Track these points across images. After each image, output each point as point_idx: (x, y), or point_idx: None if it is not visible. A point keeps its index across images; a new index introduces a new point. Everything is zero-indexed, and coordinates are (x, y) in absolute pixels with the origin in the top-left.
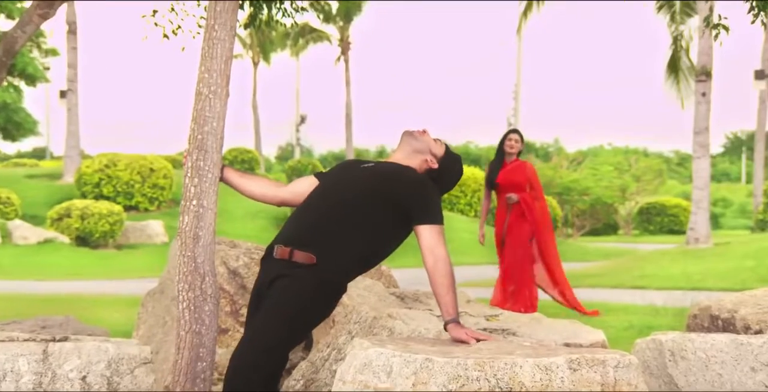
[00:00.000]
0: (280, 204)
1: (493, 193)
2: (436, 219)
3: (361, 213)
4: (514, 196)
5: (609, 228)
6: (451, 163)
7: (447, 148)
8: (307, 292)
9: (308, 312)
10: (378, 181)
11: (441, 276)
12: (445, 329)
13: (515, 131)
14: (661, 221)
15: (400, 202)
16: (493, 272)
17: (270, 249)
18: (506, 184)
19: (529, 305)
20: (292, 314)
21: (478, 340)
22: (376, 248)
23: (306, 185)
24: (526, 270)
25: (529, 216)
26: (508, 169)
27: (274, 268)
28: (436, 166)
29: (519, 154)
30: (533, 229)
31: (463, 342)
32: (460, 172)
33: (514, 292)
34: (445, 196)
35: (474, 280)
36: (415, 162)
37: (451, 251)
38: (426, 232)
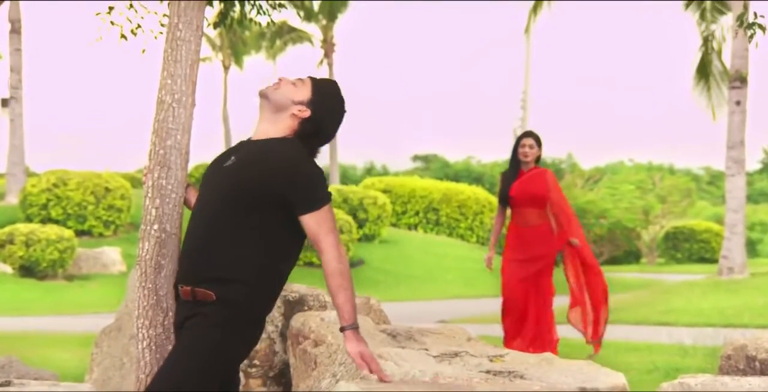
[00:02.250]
0: None
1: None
2: (317, 202)
3: (238, 223)
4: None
5: (630, 255)
6: (325, 100)
7: (314, 82)
8: (216, 330)
9: (222, 351)
10: (240, 180)
11: (329, 274)
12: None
13: (529, 134)
14: (689, 248)
15: (274, 195)
16: (498, 306)
17: (177, 288)
18: (522, 196)
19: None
20: (203, 356)
21: (371, 371)
22: (277, 257)
23: None
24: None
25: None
26: (524, 178)
27: (183, 309)
28: (307, 113)
29: (538, 160)
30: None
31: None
32: (341, 103)
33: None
34: (444, 219)
35: (477, 315)
36: (283, 124)
37: (451, 282)
38: (308, 222)
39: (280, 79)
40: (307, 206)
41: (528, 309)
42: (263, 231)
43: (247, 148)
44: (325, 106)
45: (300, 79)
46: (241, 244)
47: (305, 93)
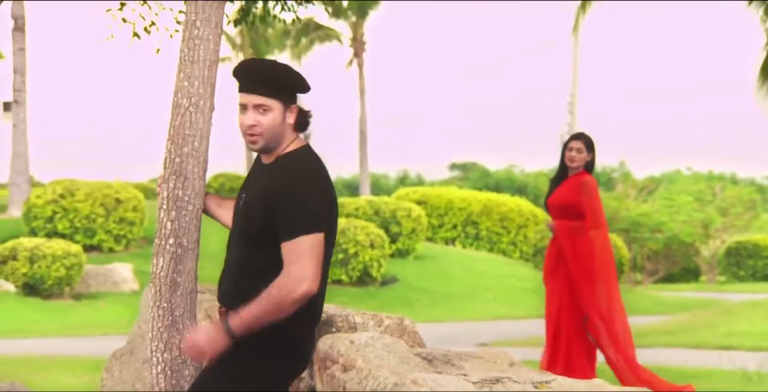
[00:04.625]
0: None
1: None
2: (294, 231)
3: (261, 258)
4: (550, 225)
5: (688, 273)
6: (281, 84)
7: (262, 92)
8: (244, 355)
9: (251, 377)
10: (249, 220)
11: (267, 289)
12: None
13: (578, 137)
14: (753, 265)
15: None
16: (542, 327)
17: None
18: (555, 206)
19: (583, 372)
20: (231, 380)
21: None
22: None
23: None
24: (573, 327)
25: (567, 253)
26: (562, 185)
27: None
28: (296, 109)
29: (591, 167)
30: (578, 272)
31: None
32: (290, 71)
33: (567, 356)
34: (484, 233)
35: (521, 338)
36: (285, 135)
37: (493, 301)
38: (282, 250)
39: (251, 127)
40: (284, 233)
41: (561, 331)
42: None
43: (254, 181)
44: (288, 86)
45: (258, 106)
46: (266, 279)
47: (276, 107)
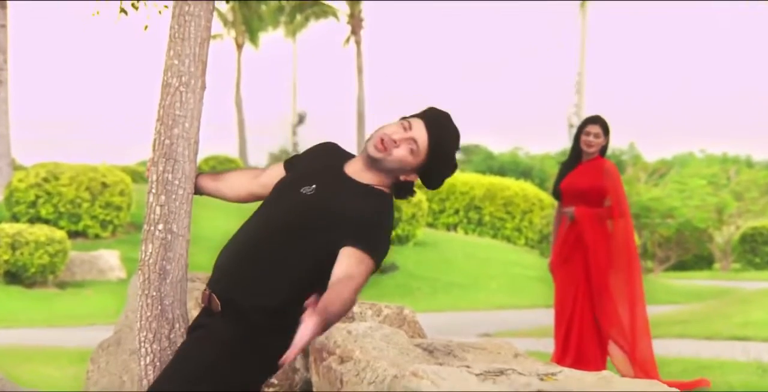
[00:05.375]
0: (255, 199)
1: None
2: (372, 247)
3: (295, 251)
4: (570, 211)
5: (701, 260)
6: (439, 160)
7: (431, 142)
8: (216, 352)
9: (221, 378)
10: (311, 214)
11: (339, 282)
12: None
13: (595, 120)
14: None
15: (336, 233)
16: (550, 318)
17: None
18: (570, 191)
19: (595, 363)
20: (194, 375)
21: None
22: (320, 282)
23: (277, 177)
24: (586, 317)
25: (588, 241)
26: (578, 170)
27: (200, 313)
28: (414, 177)
29: (604, 151)
30: (596, 261)
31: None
32: (453, 157)
33: (579, 346)
34: (487, 218)
35: (525, 328)
36: (386, 178)
37: (496, 290)
38: (348, 254)
39: (393, 144)
40: (359, 240)
41: (574, 320)
42: (316, 261)
43: (332, 179)
44: (438, 169)
45: (414, 142)
46: (288, 271)
47: (420, 157)
